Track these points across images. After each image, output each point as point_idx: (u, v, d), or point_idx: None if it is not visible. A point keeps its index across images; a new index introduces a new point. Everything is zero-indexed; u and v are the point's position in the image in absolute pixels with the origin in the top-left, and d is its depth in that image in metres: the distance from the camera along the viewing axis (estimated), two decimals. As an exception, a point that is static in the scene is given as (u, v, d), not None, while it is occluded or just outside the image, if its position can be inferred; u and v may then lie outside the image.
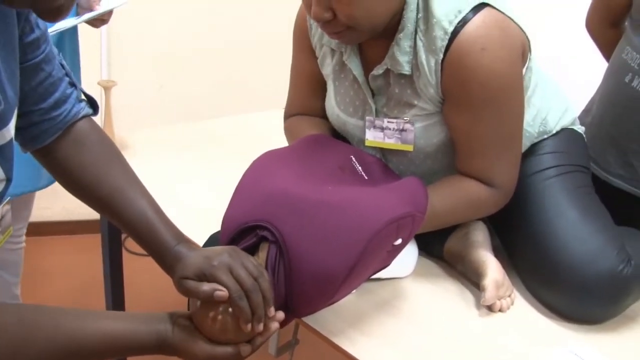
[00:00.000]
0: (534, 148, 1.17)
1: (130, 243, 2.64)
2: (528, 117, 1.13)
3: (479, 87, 0.98)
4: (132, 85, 2.29)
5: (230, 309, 0.77)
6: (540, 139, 1.17)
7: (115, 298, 1.61)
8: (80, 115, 0.86)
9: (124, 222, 0.85)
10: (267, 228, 0.87)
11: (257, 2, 2.47)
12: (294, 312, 0.87)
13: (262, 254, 0.87)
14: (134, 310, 1.92)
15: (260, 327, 0.78)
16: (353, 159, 1.09)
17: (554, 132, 1.18)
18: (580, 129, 1.28)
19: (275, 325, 0.81)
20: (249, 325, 0.77)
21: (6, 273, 1.66)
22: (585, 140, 1.42)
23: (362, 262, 0.85)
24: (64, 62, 0.84)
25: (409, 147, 1.09)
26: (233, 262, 0.79)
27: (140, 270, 2.38)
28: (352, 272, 0.84)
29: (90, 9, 1.36)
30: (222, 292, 0.76)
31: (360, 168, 1.08)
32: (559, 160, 1.15)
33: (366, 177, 1.06)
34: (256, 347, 0.80)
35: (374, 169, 1.10)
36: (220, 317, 0.77)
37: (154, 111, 2.45)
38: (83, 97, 0.88)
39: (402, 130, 1.08)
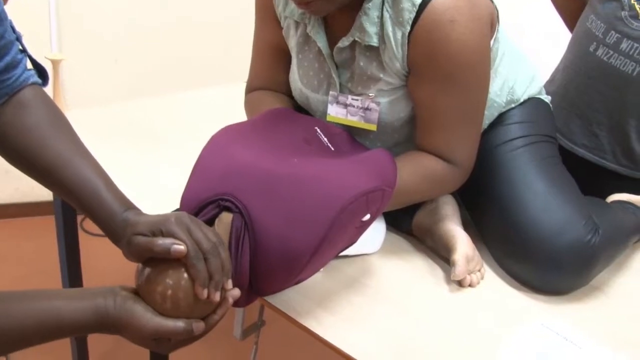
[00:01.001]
0: (501, 117, 1.15)
1: (87, 224, 2.55)
2: (495, 86, 1.11)
3: (446, 60, 0.96)
4: (85, 60, 2.20)
5: (182, 281, 0.70)
6: (507, 108, 1.15)
7: (73, 284, 1.55)
8: (29, 82, 0.81)
9: (69, 188, 0.79)
10: (229, 200, 0.82)
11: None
12: (259, 290, 0.83)
13: (223, 225, 0.81)
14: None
15: (217, 296, 0.71)
16: (318, 130, 1.05)
17: (521, 101, 1.17)
18: (547, 98, 1.27)
19: (231, 300, 0.74)
20: (205, 292, 0.70)
21: None
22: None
23: (330, 239, 0.82)
24: (14, 26, 0.79)
25: (373, 127, 1.06)
26: (191, 223, 0.73)
27: (100, 253, 2.31)
28: (319, 249, 0.81)
29: None
30: (180, 247, 0.69)
31: (326, 139, 1.04)
32: (526, 130, 1.14)
33: (332, 149, 1.03)
34: (210, 327, 0.73)
35: (340, 140, 1.06)
36: (170, 290, 0.70)
37: (108, 87, 2.35)
38: (31, 66, 0.83)
39: (367, 109, 1.05)
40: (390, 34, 0.97)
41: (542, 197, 1.04)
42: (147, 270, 0.72)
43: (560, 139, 1.44)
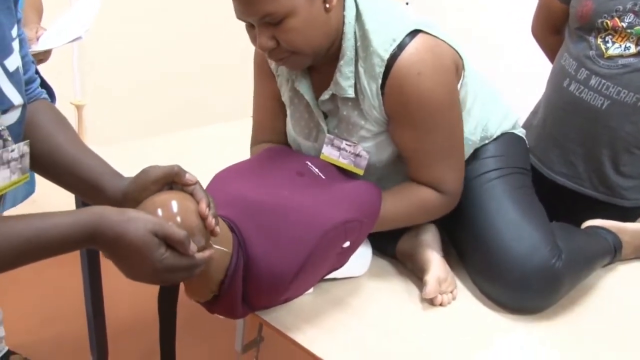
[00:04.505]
0: (476, 152, 1.26)
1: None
2: (470, 127, 1.22)
3: (419, 108, 1.07)
4: (103, 104, 2.42)
5: (189, 201, 0.79)
6: (482, 143, 1.26)
7: (95, 303, 1.66)
8: (41, 97, 0.93)
9: (70, 167, 0.86)
10: (230, 220, 0.95)
11: (213, 36, 2.65)
12: (250, 304, 0.95)
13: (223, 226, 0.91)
14: (115, 320, 2.00)
15: (214, 222, 0.79)
16: (309, 163, 1.18)
17: (495, 136, 1.28)
18: (521, 132, 1.37)
19: (210, 251, 0.80)
20: (207, 211, 0.78)
21: None
22: (531, 140, 1.52)
23: (312, 262, 0.94)
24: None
25: (360, 172, 1.18)
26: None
27: (120, 274, 2.44)
28: (302, 272, 0.93)
29: (28, 47, 1.43)
30: (192, 176, 0.81)
31: (317, 170, 1.16)
32: (499, 163, 1.25)
33: (324, 177, 1.15)
34: (200, 261, 0.78)
35: (331, 169, 1.18)
36: (177, 202, 0.77)
37: (125, 127, 2.56)
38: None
39: (358, 155, 1.17)
40: (366, 86, 1.09)
41: (513, 224, 1.13)
42: (158, 194, 0.80)
43: (540, 168, 1.54)
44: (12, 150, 0.76)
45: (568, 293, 1.15)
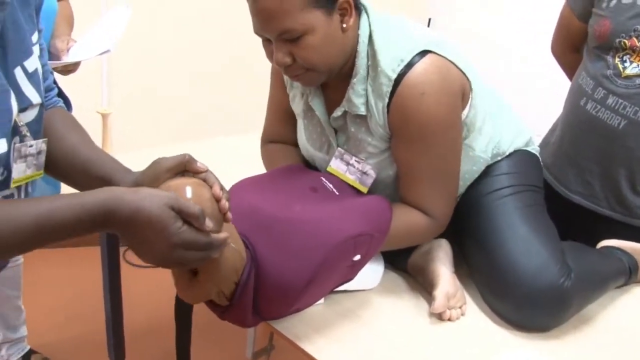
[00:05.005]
0: (488, 169, 1.27)
1: (129, 255, 2.75)
2: (481, 144, 1.23)
3: (418, 127, 1.09)
4: (129, 113, 2.49)
5: (204, 187, 0.79)
6: (494, 161, 1.27)
7: (114, 310, 1.70)
8: (58, 105, 0.96)
9: (85, 163, 0.87)
10: (243, 235, 0.98)
11: (240, 46, 2.69)
12: (261, 314, 0.98)
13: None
14: (132, 323, 2.03)
15: (227, 205, 0.80)
16: (323, 179, 1.20)
17: (508, 153, 1.29)
18: (535, 149, 1.38)
19: (226, 234, 0.80)
20: (220, 192, 0.80)
21: (7, 288, 1.78)
22: (547, 158, 1.52)
23: (321, 275, 0.96)
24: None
25: (364, 189, 1.20)
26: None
27: (139, 283, 2.49)
28: (311, 283, 0.95)
29: (58, 58, 1.49)
30: (203, 164, 0.82)
31: (331, 186, 1.19)
32: (512, 180, 1.26)
33: (337, 193, 1.17)
34: (219, 243, 0.78)
35: (345, 186, 1.21)
36: (193, 187, 0.77)
37: (149, 136, 2.63)
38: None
39: (364, 173, 1.19)
40: (374, 105, 1.12)
41: (522, 242, 1.14)
42: (172, 179, 0.81)
43: (557, 186, 1.54)
44: (31, 146, 0.78)
45: (578, 312, 1.15)
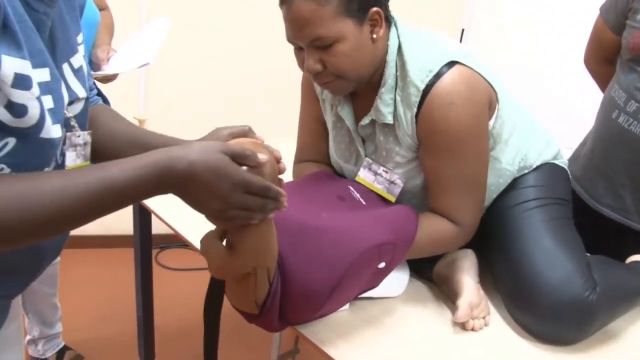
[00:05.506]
0: (515, 182, 1.28)
1: (162, 257, 2.82)
2: (507, 157, 1.24)
3: (446, 136, 1.11)
4: (165, 120, 2.58)
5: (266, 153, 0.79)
6: (521, 174, 1.28)
7: (145, 311, 1.75)
8: (99, 102, 1.01)
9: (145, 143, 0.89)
10: None
11: (275, 57, 2.76)
12: (287, 319, 1.01)
13: None
14: (163, 324, 2.06)
15: (284, 166, 0.83)
16: (351, 188, 1.23)
17: (535, 166, 1.29)
18: (563, 162, 1.38)
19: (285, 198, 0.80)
20: (279, 154, 0.82)
21: (45, 285, 1.85)
22: (578, 170, 1.51)
23: (346, 282, 0.98)
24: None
25: (392, 198, 1.22)
26: None
27: (171, 284, 2.55)
28: (336, 290, 0.97)
29: (99, 68, 1.55)
30: (261, 137, 0.85)
31: (358, 195, 1.21)
32: (539, 193, 1.26)
33: (364, 203, 1.20)
34: (276, 205, 0.79)
35: (372, 195, 1.23)
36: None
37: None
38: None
39: (392, 182, 1.22)
40: (402, 114, 1.14)
41: (547, 254, 1.15)
42: (233, 140, 0.84)
43: (587, 199, 1.53)
44: (79, 136, 0.82)
45: (604, 327, 1.15)
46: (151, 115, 2.32)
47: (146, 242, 1.66)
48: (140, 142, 0.92)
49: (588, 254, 1.25)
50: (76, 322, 2.23)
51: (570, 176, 1.43)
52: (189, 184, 0.71)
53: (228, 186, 0.72)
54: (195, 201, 0.74)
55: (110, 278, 2.59)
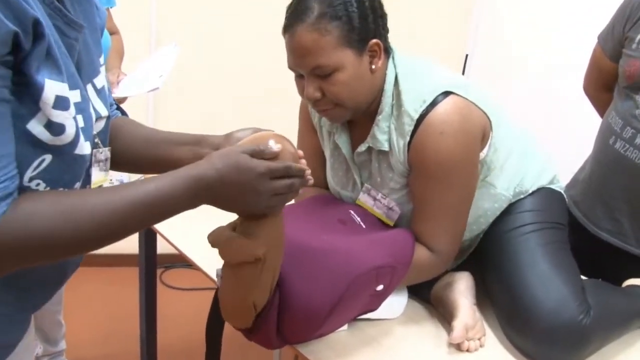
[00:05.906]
0: (511, 207, 1.30)
1: (166, 277, 2.84)
2: (503, 182, 1.26)
3: (434, 165, 1.13)
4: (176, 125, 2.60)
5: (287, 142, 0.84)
6: (516, 199, 1.30)
7: (149, 329, 1.78)
8: (118, 115, 1.05)
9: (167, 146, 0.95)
10: None
11: (281, 84, 2.80)
12: (285, 338, 1.03)
13: None
14: (166, 343, 2.06)
15: (304, 161, 0.88)
16: (352, 212, 1.26)
17: (531, 191, 1.31)
18: (560, 187, 1.40)
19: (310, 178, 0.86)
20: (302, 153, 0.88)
21: (49, 302, 1.87)
22: (577, 195, 1.52)
23: (344, 302, 1.01)
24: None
25: (390, 222, 1.25)
26: None
27: (174, 304, 2.56)
28: (335, 311, 1.00)
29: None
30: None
31: (359, 219, 1.24)
32: (535, 217, 1.28)
33: (364, 226, 1.22)
34: (299, 185, 0.84)
35: (373, 219, 1.26)
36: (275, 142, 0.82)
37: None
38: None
39: (390, 208, 1.24)
40: (395, 142, 1.17)
41: (543, 278, 1.16)
42: (258, 133, 0.88)
43: (585, 223, 1.55)
44: (101, 153, 0.88)
45: (598, 350, 1.16)
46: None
47: (151, 262, 1.69)
48: (154, 139, 0.97)
49: (584, 278, 1.28)
50: (80, 340, 2.25)
51: (568, 200, 1.45)
52: (221, 187, 0.78)
53: (255, 177, 0.79)
54: (231, 201, 0.80)
55: (115, 296, 2.61)
